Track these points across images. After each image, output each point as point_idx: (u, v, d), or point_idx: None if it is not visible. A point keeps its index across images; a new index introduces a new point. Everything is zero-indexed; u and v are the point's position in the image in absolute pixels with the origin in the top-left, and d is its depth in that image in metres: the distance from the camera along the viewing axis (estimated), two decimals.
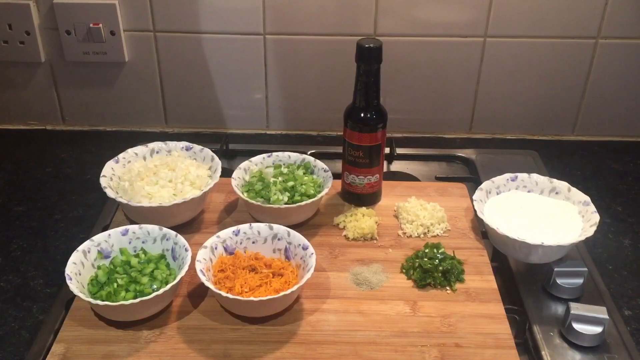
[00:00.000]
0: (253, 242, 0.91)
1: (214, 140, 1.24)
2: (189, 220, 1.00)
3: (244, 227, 0.91)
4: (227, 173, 1.03)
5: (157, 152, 1.07)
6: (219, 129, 1.34)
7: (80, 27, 1.20)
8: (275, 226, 0.91)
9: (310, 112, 1.32)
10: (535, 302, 0.89)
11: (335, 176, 1.03)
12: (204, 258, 0.86)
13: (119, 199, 0.95)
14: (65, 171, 1.21)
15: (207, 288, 0.85)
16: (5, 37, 1.22)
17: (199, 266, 0.83)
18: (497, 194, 1.02)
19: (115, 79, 1.28)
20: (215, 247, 0.88)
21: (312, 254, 0.86)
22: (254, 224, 0.92)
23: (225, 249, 0.90)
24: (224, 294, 0.80)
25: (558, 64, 1.25)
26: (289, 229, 0.90)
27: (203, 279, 0.81)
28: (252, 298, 0.80)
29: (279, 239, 0.91)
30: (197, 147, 1.07)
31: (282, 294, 0.80)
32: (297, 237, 0.90)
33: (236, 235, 0.90)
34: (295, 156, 1.07)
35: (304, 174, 1.03)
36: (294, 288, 0.81)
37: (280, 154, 1.07)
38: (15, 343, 0.85)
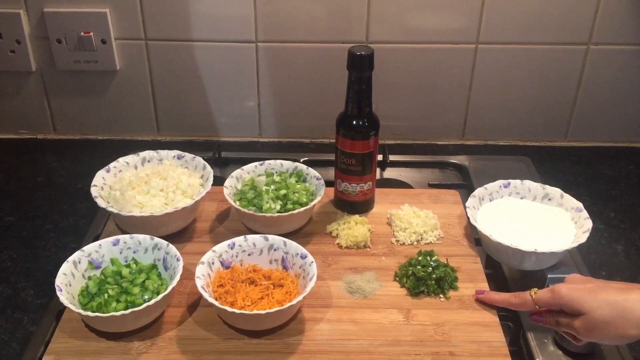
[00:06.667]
0: (249, 255, 0.90)
1: (207, 148, 1.23)
2: (180, 230, 1.00)
3: (238, 239, 0.90)
4: (219, 181, 1.02)
5: (149, 161, 1.06)
6: (211, 137, 1.34)
7: (71, 36, 1.20)
8: (271, 237, 0.90)
9: (302, 120, 1.32)
10: None
11: (328, 184, 1.03)
12: (203, 274, 0.84)
13: (110, 209, 0.94)
14: (57, 180, 1.21)
15: (200, 298, 0.84)
16: None
17: (199, 283, 0.82)
18: (490, 200, 1.02)
19: (107, 87, 1.28)
20: (212, 262, 0.87)
21: (312, 262, 0.86)
22: (249, 236, 0.90)
23: (222, 263, 0.88)
24: (229, 309, 0.78)
25: (550, 70, 1.25)
26: (284, 239, 0.90)
27: (205, 295, 0.80)
28: (259, 311, 0.78)
29: (275, 250, 0.90)
30: (188, 156, 1.06)
31: (288, 304, 0.79)
32: (294, 246, 0.89)
33: (231, 248, 0.89)
34: (287, 164, 1.06)
35: (296, 182, 1.02)
36: (300, 297, 0.80)
37: (272, 162, 1.07)
38: (5, 355, 0.84)
